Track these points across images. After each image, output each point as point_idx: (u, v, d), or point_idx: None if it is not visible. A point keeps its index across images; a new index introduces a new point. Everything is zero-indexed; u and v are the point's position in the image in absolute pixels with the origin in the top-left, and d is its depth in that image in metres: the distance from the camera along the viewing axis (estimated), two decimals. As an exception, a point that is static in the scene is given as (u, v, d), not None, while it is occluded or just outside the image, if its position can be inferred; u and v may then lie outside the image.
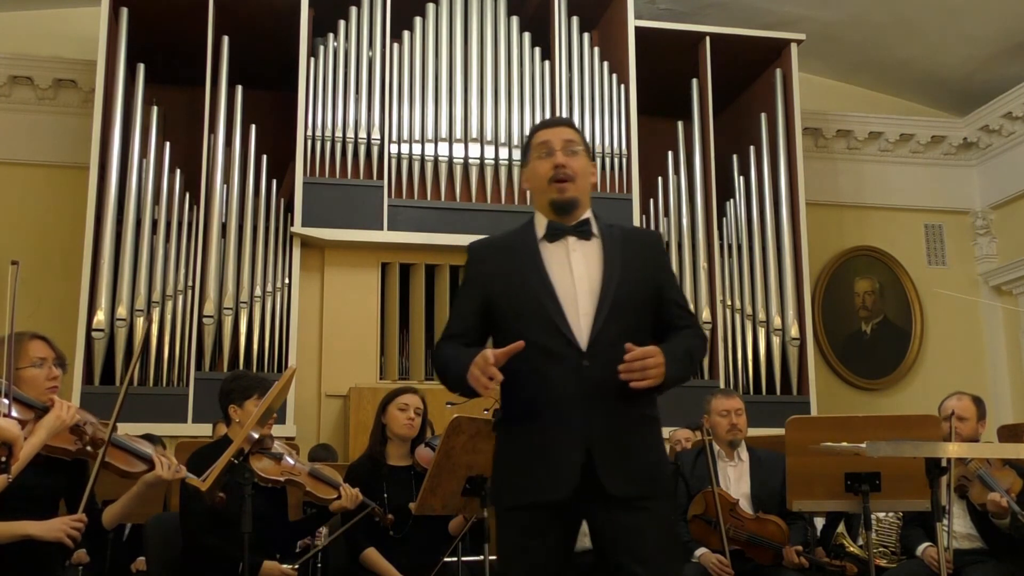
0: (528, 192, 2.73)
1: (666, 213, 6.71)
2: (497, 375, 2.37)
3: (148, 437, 5.06)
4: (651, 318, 2.55)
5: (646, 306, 2.53)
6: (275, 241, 6.16)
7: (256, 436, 3.46)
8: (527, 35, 6.64)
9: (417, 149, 6.29)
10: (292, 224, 6.11)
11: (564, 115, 6.48)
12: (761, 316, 6.66)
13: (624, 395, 2.44)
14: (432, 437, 4.18)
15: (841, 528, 4.69)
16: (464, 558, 4.03)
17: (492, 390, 2.43)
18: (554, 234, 2.55)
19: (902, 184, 8.12)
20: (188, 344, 5.88)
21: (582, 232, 2.55)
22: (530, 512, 2.47)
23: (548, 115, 6.49)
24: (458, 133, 6.38)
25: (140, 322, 5.82)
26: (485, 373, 2.37)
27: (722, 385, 6.27)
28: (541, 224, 2.59)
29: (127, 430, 4.55)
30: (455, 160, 6.33)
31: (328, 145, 6.17)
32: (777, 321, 6.65)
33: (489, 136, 6.36)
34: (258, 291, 6.02)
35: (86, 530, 3.26)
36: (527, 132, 6.37)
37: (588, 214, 2.60)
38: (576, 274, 2.51)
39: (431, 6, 6.54)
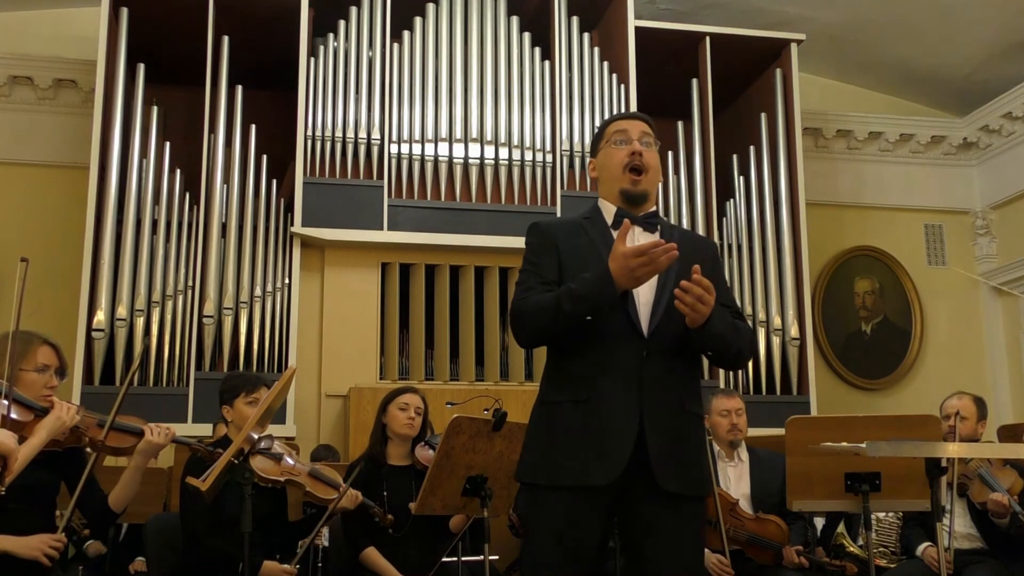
0: (593, 180, 2.76)
1: (666, 213, 6.70)
2: (658, 248, 2.34)
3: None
4: None
5: None
6: (275, 241, 6.15)
7: (255, 436, 3.46)
8: (527, 35, 6.64)
9: (417, 149, 6.29)
10: (292, 224, 6.10)
11: (564, 115, 6.50)
12: (761, 316, 6.66)
13: (678, 391, 2.51)
14: (432, 436, 4.18)
15: (841, 528, 4.69)
16: (464, 558, 4.03)
17: (649, 272, 2.37)
18: (622, 222, 2.56)
19: (902, 184, 8.12)
20: (188, 344, 5.88)
21: (649, 224, 2.60)
22: (572, 494, 2.44)
23: (548, 115, 6.49)
24: (458, 133, 6.38)
25: (140, 322, 5.82)
26: (636, 254, 2.33)
27: (722, 385, 6.26)
28: (608, 212, 2.63)
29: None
30: (455, 160, 6.33)
31: (328, 145, 6.16)
32: (777, 321, 6.65)
33: (489, 136, 6.36)
34: (258, 291, 6.02)
35: (95, 518, 3.28)
36: (517, 127, 6.44)
37: (654, 208, 2.66)
38: None
39: (431, 6, 6.54)
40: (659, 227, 2.63)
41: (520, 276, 2.63)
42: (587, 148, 6.47)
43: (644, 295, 2.52)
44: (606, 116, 6.56)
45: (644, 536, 2.48)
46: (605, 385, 2.46)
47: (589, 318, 2.42)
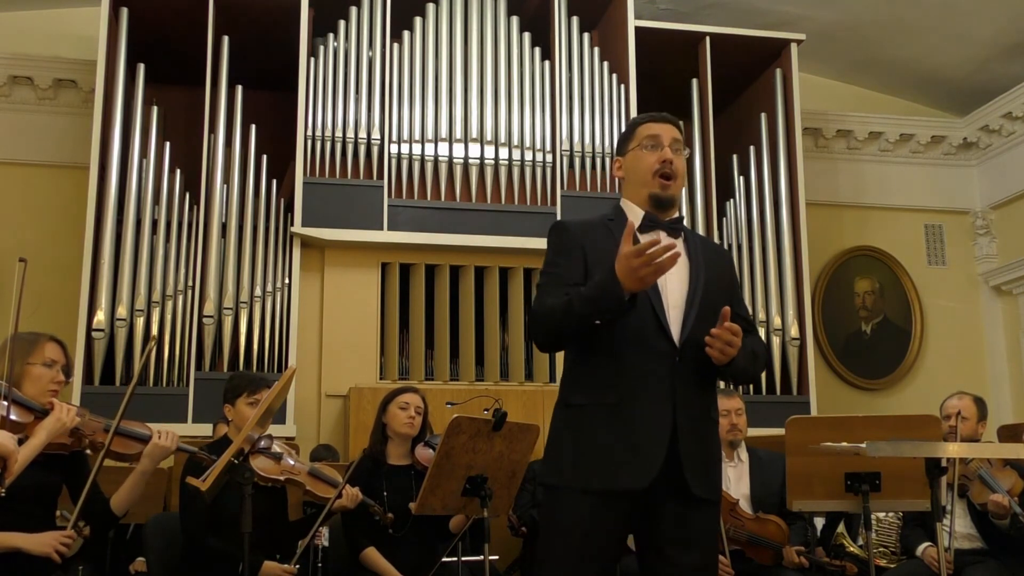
0: (617, 179, 2.75)
1: (666, 213, 6.70)
2: (657, 246, 2.32)
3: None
4: None
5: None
6: (275, 241, 6.15)
7: (255, 436, 3.46)
8: (527, 35, 6.64)
9: (417, 149, 6.28)
10: (292, 224, 6.10)
11: (564, 115, 6.50)
12: (761, 316, 6.66)
13: (705, 397, 2.55)
14: (432, 436, 4.18)
15: (841, 528, 4.70)
16: (464, 558, 4.03)
17: (650, 275, 2.33)
18: (648, 226, 2.59)
19: (902, 184, 8.11)
20: (188, 344, 5.88)
21: (674, 229, 2.61)
22: (599, 498, 2.45)
23: (548, 115, 6.49)
24: (458, 133, 6.38)
25: (140, 322, 5.82)
26: (636, 254, 2.30)
27: (721, 385, 6.26)
28: (635, 214, 2.62)
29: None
30: (455, 160, 6.33)
31: (328, 145, 6.16)
32: (777, 321, 6.65)
33: (489, 136, 6.36)
34: (258, 291, 6.02)
35: (97, 520, 3.28)
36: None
37: (679, 213, 2.67)
38: None
39: (431, 6, 6.54)
40: (683, 233, 2.65)
41: (540, 279, 2.62)
42: (587, 148, 6.47)
43: (675, 300, 2.53)
44: (606, 116, 6.57)
45: (667, 540, 2.49)
46: (637, 390, 2.47)
47: (598, 322, 2.41)
